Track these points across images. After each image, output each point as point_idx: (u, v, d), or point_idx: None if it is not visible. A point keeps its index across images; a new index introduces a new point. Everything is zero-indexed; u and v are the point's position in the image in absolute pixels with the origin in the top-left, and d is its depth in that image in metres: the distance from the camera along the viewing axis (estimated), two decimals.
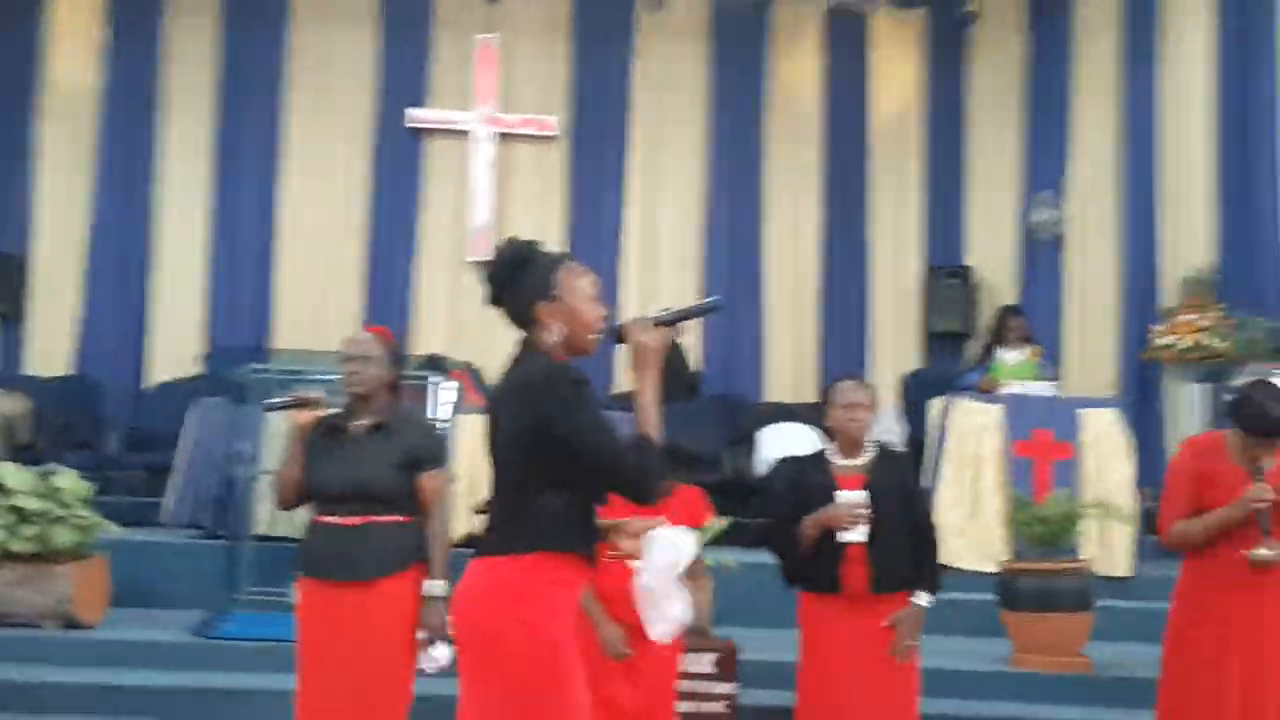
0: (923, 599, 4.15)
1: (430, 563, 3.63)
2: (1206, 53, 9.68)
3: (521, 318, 2.80)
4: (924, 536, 4.23)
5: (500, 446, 2.77)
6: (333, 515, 3.71)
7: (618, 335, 2.78)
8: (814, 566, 4.09)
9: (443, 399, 5.99)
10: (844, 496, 4.09)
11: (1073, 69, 10.81)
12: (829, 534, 4.06)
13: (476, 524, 7.05)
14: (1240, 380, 8.20)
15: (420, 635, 3.58)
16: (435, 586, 3.59)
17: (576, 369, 2.73)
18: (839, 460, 4.22)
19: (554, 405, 2.63)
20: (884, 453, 4.31)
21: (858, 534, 4.05)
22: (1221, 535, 4.08)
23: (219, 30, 11.21)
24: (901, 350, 11.43)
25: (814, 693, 4.13)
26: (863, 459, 4.22)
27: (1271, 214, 9.24)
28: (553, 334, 2.75)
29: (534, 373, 2.71)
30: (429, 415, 5.90)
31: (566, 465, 2.64)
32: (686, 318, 2.88)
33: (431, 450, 3.75)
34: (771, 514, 4.26)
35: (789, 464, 4.46)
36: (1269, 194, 9.26)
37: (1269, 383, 4.24)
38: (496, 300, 2.86)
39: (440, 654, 3.56)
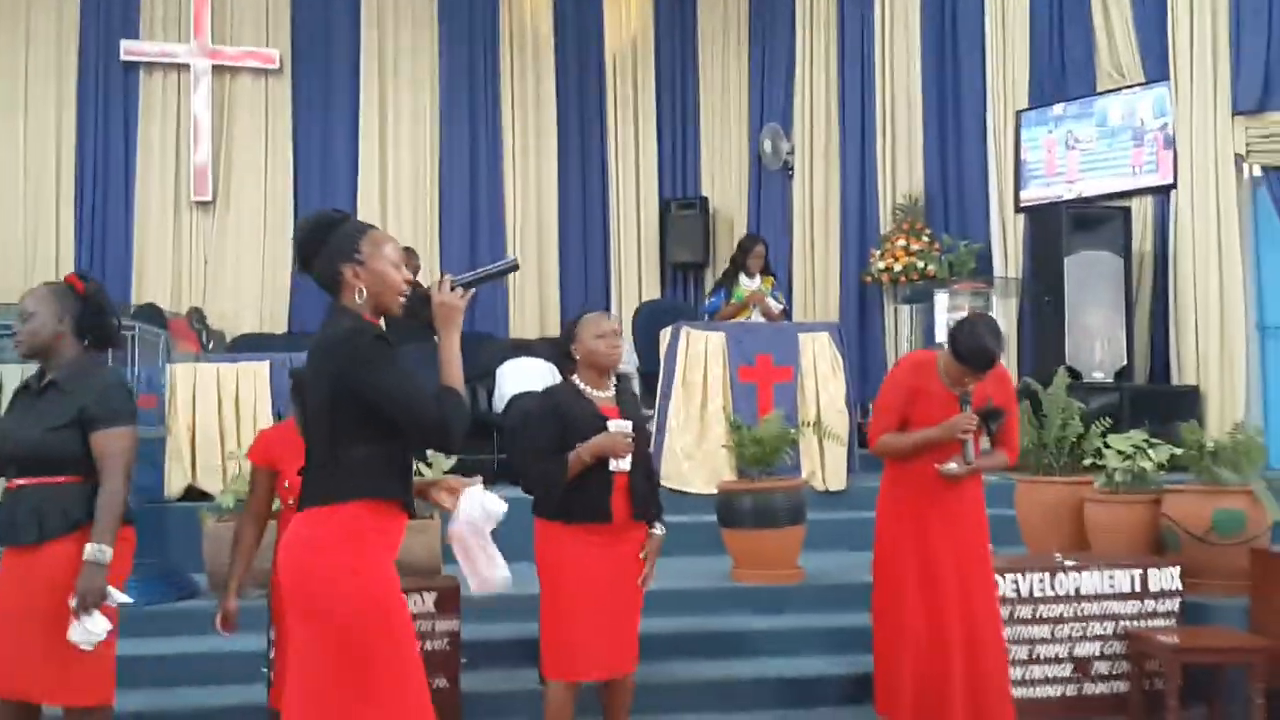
0: (659, 529, 4.23)
1: (95, 527, 3.39)
2: None
3: (329, 281, 2.92)
4: (651, 469, 4.33)
5: (311, 404, 2.89)
6: (8, 478, 3.55)
7: (424, 300, 2.92)
8: (583, 498, 4.07)
9: (146, 350, 5.71)
10: (616, 425, 4.09)
11: (795, 5, 11.13)
12: (598, 464, 4.06)
13: (202, 479, 6.83)
14: (953, 310, 8.82)
15: (71, 603, 3.30)
16: (94, 551, 3.35)
17: (378, 327, 2.86)
18: (592, 391, 4.20)
19: (355, 362, 2.76)
20: (621, 384, 4.36)
21: (626, 463, 4.09)
22: (923, 449, 4.39)
23: None
24: (643, 282, 11.64)
25: (567, 622, 4.08)
26: (610, 390, 4.24)
27: (977, 140, 9.84)
28: (359, 295, 2.88)
29: (337, 332, 2.83)
30: (135, 367, 5.61)
31: (372, 418, 2.77)
32: (487, 279, 3.04)
33: (104, 409, 3.48)
34: (534, 445, 4.18)
35: (544, 396, 4.39)
36: (975, 122, 9.85)
37: (987, 316, 4.53)
38: (305, 266, 2.98)
39: (95, 625, 3.31)
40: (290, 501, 3.95)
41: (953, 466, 4.34)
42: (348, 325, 2.82)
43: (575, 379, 4.25)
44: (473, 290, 2.92)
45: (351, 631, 2.70)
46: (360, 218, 10.23)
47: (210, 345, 9.26)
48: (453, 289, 2.88)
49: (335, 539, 2.74)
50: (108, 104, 10.64)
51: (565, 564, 4.11)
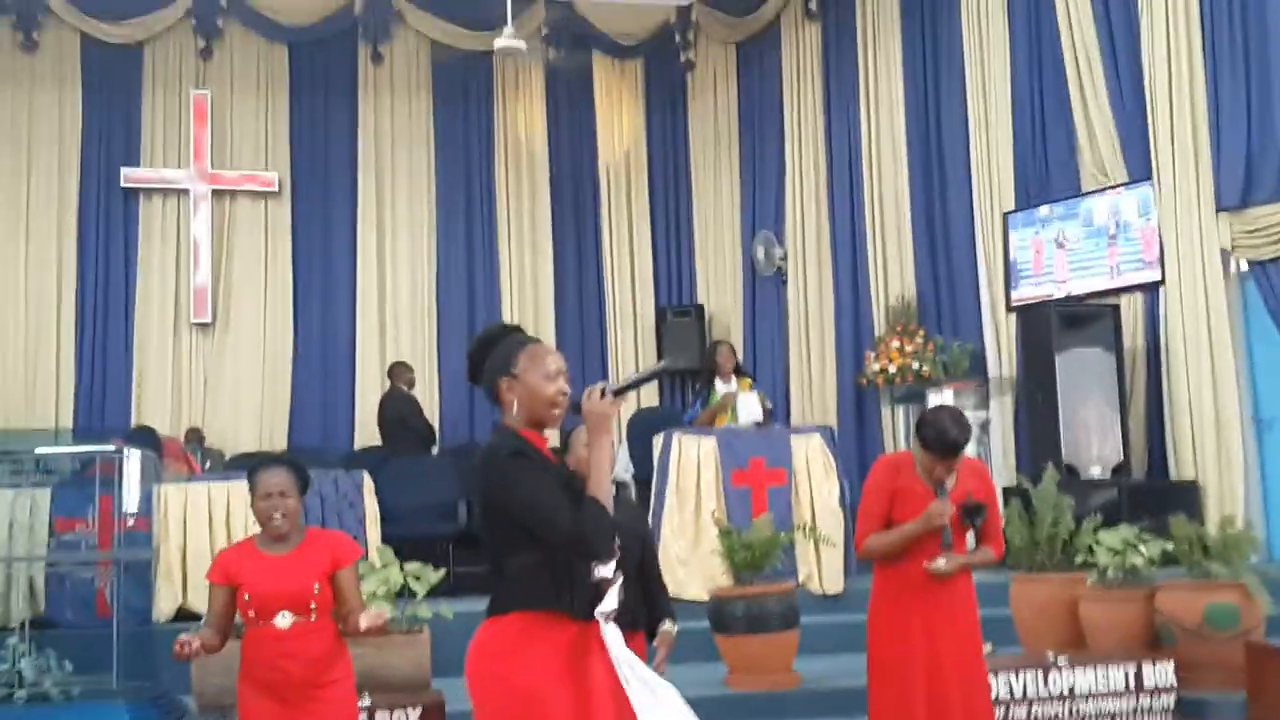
0: (670, 625, 4.28)
1: None
2: (903, 97, 10.38)
3: (491, 395, 3.04)
4: (656, 573, 4.38)
5: (478, 518, 3.04)
6: None
7: (577, 407, 2.99)
8: None
9: (129, 472, 5.75)
10: None
11: (784, 114, 11.36)
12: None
13: (193, 600, 6.77)
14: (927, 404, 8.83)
15: None
16: None
17: (517, 442, 2.91)
18: None
19: (492, 478, 2.89)
20: (619, 494, 4.36)
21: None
22: (908, 547, 4.37)
23: None
24: (641, 390, 11.63)
25: None
26: None
27: (966, 242, 9.94)
28: (514, 408, 2.98)
29: (485, 449, 2.97)
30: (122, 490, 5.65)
31: (521, 530, 2.88)
32: (639, 384, 3.15)
33: None
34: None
35: None
36: (963, 224, 9.97)
37: (951, 406, 4.58)
38: (474, 378, 3.10)
39: None
40: (251, 614, 3.91)
41: (941, 563, 4.32)
42: (491, 442, 2.96)
43: None
44: (622, 397, 2.98)
45: None
46: (359, 334, 10.39)
47: (208, 465, 9.28)
48: (603, 396, 2.93)
49: (491, 649, 2.90)
50: (109, 229, 10.85)
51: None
